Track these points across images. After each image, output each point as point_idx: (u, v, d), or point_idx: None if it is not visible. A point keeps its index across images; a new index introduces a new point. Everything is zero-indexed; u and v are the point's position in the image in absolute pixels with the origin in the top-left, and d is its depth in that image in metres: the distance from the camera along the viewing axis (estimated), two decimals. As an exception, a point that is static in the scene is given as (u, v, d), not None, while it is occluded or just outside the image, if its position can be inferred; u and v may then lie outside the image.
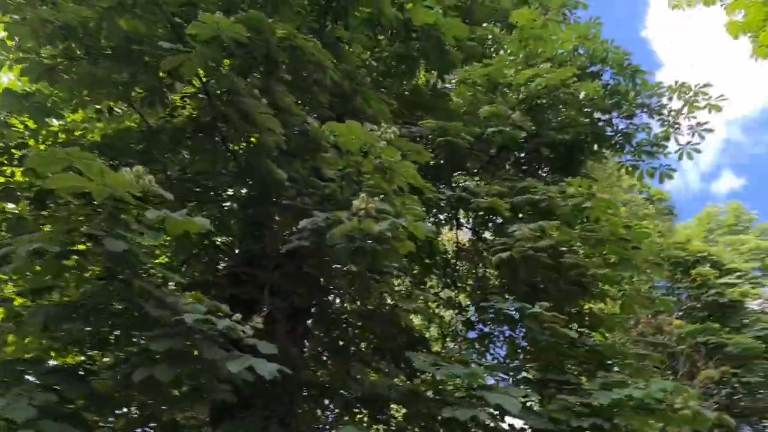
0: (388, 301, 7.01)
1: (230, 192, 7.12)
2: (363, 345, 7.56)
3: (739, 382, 17.67)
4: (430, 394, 5.78)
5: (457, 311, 9.18)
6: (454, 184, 7.20)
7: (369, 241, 4.03)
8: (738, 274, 20.28)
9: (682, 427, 5.88)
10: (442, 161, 7.75)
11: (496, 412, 5.46)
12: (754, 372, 17.50)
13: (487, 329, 8.68)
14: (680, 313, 20.49)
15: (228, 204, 7.26)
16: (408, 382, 6.59)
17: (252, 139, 5.75)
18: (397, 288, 8.09)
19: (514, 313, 6.37)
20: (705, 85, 7.37)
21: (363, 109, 5.93)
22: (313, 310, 7.04)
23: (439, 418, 5.66)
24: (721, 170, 71.48)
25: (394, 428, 6.54)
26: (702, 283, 19.18)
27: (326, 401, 6.69)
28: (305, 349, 7.23)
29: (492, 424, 5.43)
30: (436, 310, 9.59)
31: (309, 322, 7.10)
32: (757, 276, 24.01)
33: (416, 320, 10.16)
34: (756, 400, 17.75)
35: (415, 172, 4.60)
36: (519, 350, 7.69)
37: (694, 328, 18.09)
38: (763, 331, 18.28)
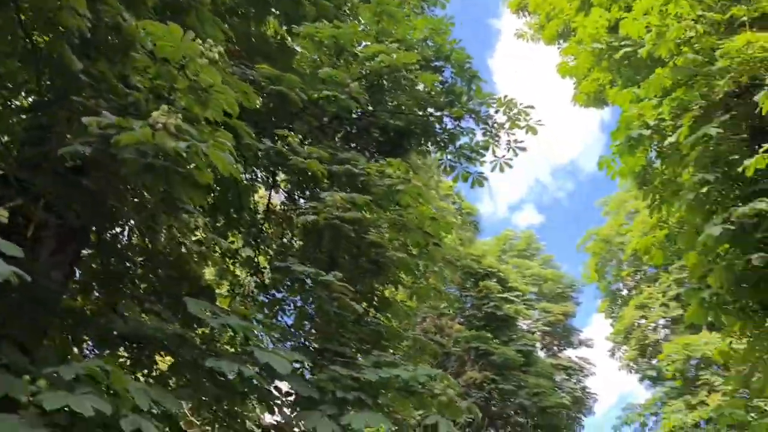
0: (180, 242, 6.52)
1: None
2: (143, 285, 6.95)
3: (496, 387, 19.57)
4: (199, 341, 5.45)
5: (253, 272, 8.85)
6: (276, 138, 6.90)
7: (162, 160, 3.61)
8: (517, 293, 22.46)
9: (439, 411, 6.17)
10: (270, 115, 7.42)
11: (264, 373, 5.30)
12: (509, 381, 19.51)
13: (280, 295, 8.50)
14: (462, 320, 22.16)
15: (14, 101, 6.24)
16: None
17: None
18: (193, 232, 7.59)
19: (306, 278, 6.24)
20: (528, 107, 7.89)
21: (195, 28, 5.38)
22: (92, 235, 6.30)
23: (204, 369, 5.35)
24: (525, 204, 79.39)
25: (155, 374, 6.08)
26: (485, 295, 20.91)
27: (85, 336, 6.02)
28: (75, 276, 6.46)
29: (257, 383, 5.23)
30: (232, 267, 9.18)
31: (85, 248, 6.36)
32: (532, 299, 26.81)
33: (209, 274, 9.65)
34: (506, 405, 19.79)
35: (234, 102, 4.24)
36: (307, 321, 7.61)
37: (470, 334, 19.67)
38: (524, 347, 20.45)
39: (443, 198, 23.38)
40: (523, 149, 8.26)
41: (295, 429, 6.02)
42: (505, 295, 21.42)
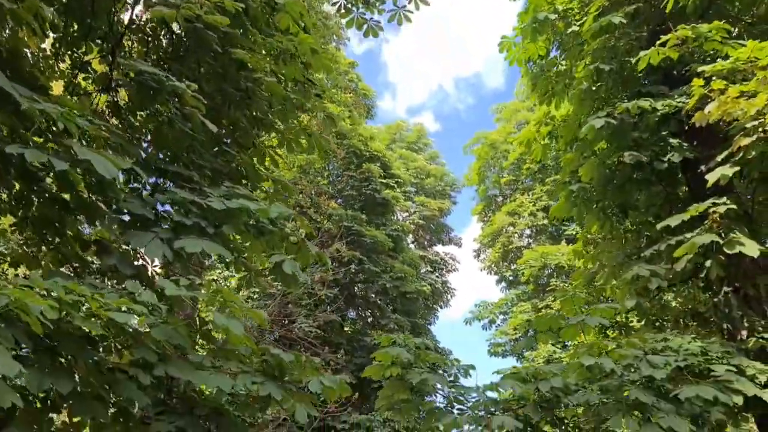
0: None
1: None
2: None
3: (362, 268, 19.84)
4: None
5: (105, 88, 7.74)
6: None
7: None
8: (398, 180, 22.45)
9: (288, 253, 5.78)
10: None
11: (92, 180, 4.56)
12: (374, 262, 19.83)
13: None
14: (341, 200, 21.95)
15: None
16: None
17: None
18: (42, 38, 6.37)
19: (155, 84, 5.38)
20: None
21: None
22: None
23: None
24: (424, 111, 79.37)
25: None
26: (367, 177, 20.68)
27: None
28: None
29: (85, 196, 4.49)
30: (83, 83, 7.99)
31: None
32: (412, 192, 27.09)
33: (57, 89, 8.38)
34: (369, 287, 20.23)
35: None
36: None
37: (345, 213, 19.52)
38: (395, 233, 20.72)
39: (341, 73, 22.39)
40: (427, 3, 7.60)
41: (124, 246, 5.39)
42: (386, 180, 21.33)
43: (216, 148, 6.39)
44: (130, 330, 4.24)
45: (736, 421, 6.91)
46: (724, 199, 6.53)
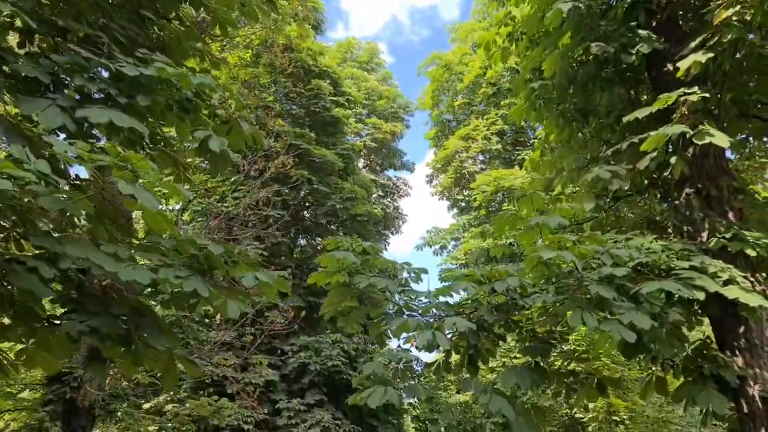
0: None
1: None
2: None
3: (311, 190, 19.17)
4: None
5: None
6: None
7: None
8: (349, 98, 21.53)
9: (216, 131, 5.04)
10: None
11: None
12: (324, 183, 19.18)
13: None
14: (289, 119, 20.95)
15: None
16: None
17: None
18: None
19: None
20: None
21: None
22: None
23: None
24: (378, 42, 77.15)
25: None
26: (316, 94, 19.70)
27: None
28: None
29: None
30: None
31: None
32: (364, 114, 26.21)
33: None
34: (318, 211, 19.59)
35: None
36: None
37: (293, 131, 18.62)
38: (344, 152, 19.97)
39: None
40: None
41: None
42: (336, 98, 20.36)
43: (132, 17, 5.49)
44: (14, 201, 3.52)
45: (691, 324, 6.74)
46: (696, 88, 6.09)
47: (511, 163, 25.84)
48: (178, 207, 18.35)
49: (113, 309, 4.73)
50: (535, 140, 11.92)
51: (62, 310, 4.74)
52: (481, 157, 27.68)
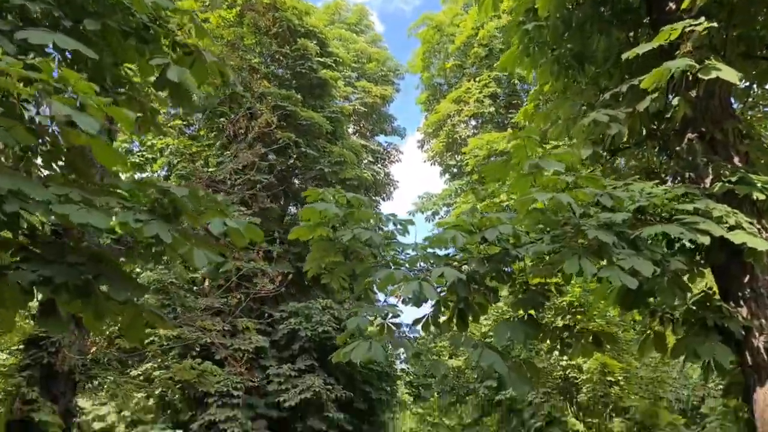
0: None
1: None
2: None
3: (299, 153, 18.67)
4: None
5: None
6: None
7: None
8: (337, 59, 20.88)
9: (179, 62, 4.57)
10: None
11: None
12: (312, 147, 18.67)
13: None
14: (275, 82, 20.33)
15: None
16: None
17: None
18: None
19: None
20: None
21: None
22: None
23: None
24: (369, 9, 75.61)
25: None
26: (302, 55, 19.06)
27: None
28: None
29: None
30: None
31: None
32: (353, 77, 25.55)
33: None
34: (307, 176, 19.13)
35: None
36: None
37: (279, 92, 18.03)
38: (332, 114, 19.41)
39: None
40: None
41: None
42: (324, 59, 19.70)
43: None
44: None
45: (693, 275, 6.42)
46: (702, 19, 5.64)
47: (504, 127, 25.33)
48: (163, 173, 17.82)
49: (69, 257, 4.33)
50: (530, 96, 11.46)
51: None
52: (473, 122, 27.13)
